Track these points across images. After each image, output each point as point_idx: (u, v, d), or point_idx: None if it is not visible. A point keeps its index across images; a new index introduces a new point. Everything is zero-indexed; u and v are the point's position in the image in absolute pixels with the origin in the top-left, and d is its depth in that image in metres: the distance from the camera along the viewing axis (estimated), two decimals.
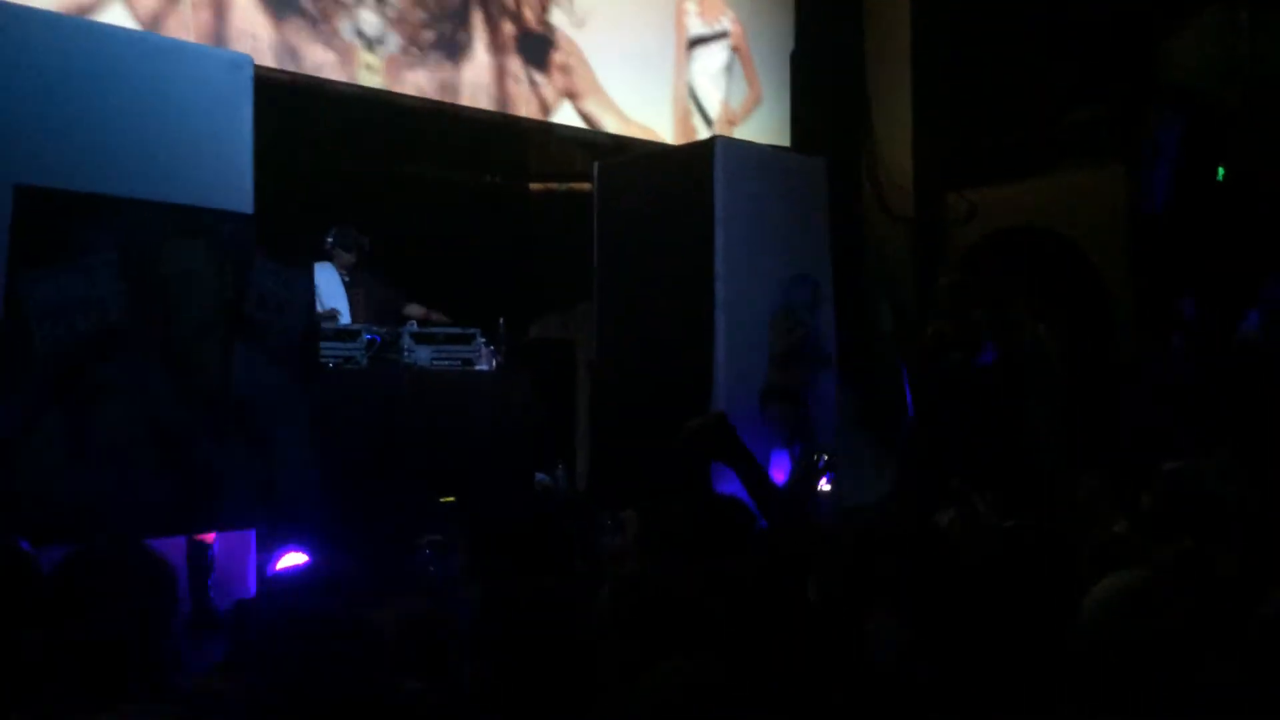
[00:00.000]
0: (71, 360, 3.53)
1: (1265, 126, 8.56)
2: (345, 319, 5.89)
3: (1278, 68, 8.64)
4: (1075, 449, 7.00)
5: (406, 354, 5.48)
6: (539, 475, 6.27)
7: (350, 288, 6.10)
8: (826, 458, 7.22)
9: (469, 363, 5.73)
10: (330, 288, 6.00)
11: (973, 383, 7.46)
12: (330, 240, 6.07)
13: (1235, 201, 8.09)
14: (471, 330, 5.80)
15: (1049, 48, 9.43)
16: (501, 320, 6.01)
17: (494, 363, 5.84)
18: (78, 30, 4.44)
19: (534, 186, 8.50)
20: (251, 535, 4.45)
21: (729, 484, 6.15)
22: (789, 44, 9.13)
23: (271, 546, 4.34)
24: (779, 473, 6.48)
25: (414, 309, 6.08)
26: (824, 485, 7.09)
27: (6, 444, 3.44)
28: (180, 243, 3.78)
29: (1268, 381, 6.79)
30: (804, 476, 3.71)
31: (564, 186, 8.41)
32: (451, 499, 5.16)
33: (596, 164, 7.27)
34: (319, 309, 5.78)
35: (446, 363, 5.65)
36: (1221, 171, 8.17)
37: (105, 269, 3.58)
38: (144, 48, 4.47)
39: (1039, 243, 8.57)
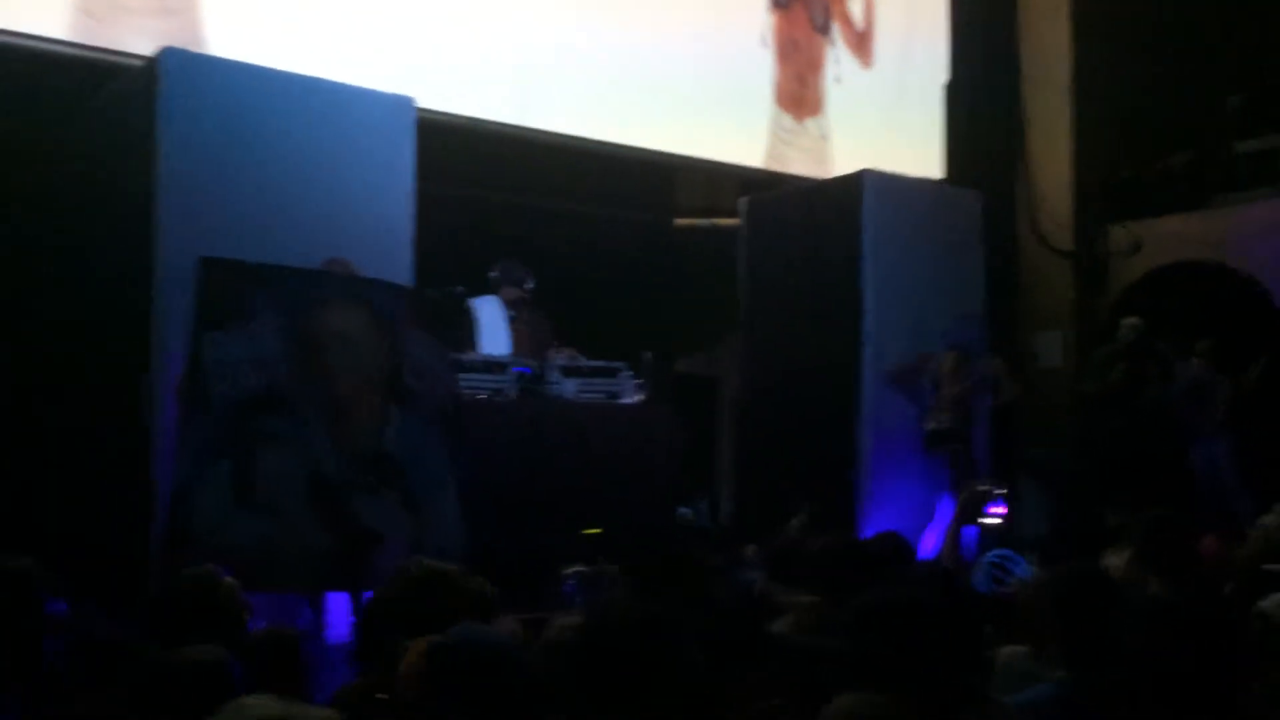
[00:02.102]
0: (243, 414, 3.81)
1: None
2: (505, 350, 6.01)
3: None
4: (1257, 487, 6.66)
5: (554, 386, 5.58)
6: (681, 509, 6.27)
7: (514, 322, 6.22)
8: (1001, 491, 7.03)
9: (614, 396, 5.79)
10: (493, 320, 6.14)
11: (1161, 419, 7.19)
12: (495, 274, 6.22)
13: None
14: (617, 364, 5.86)
15: (1217, 73, 9.01)
16: (647, 354, 6.05)
17: (639, 397, 5.88)
18: (243, 73, 4.70)
19: (680, 222, 8.56)
20: None
21: (881, 519, 6.05)
22: (943, 75, 8.98)
23: None
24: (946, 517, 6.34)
25: (566, 352, 6.15)
26: (991, 519, 6.91)
27: (183, 488, 3.70)
28: (339, 308, 4.02)
29: None
30: (966, 511, 3.61)
31: (710, 221, 8.44)
32: (597, 530, 5.20)
33: (744, 199, 7.28)
34: (478, 343, 5.96)
35: (592, 395, 5.72)
36: None
37: (273, 331, 3.85)
38: (310, 91, 4.71)
39: (1209, 277, 8.15)
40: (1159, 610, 2.00)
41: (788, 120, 8.18)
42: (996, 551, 3.20)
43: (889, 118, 8.51)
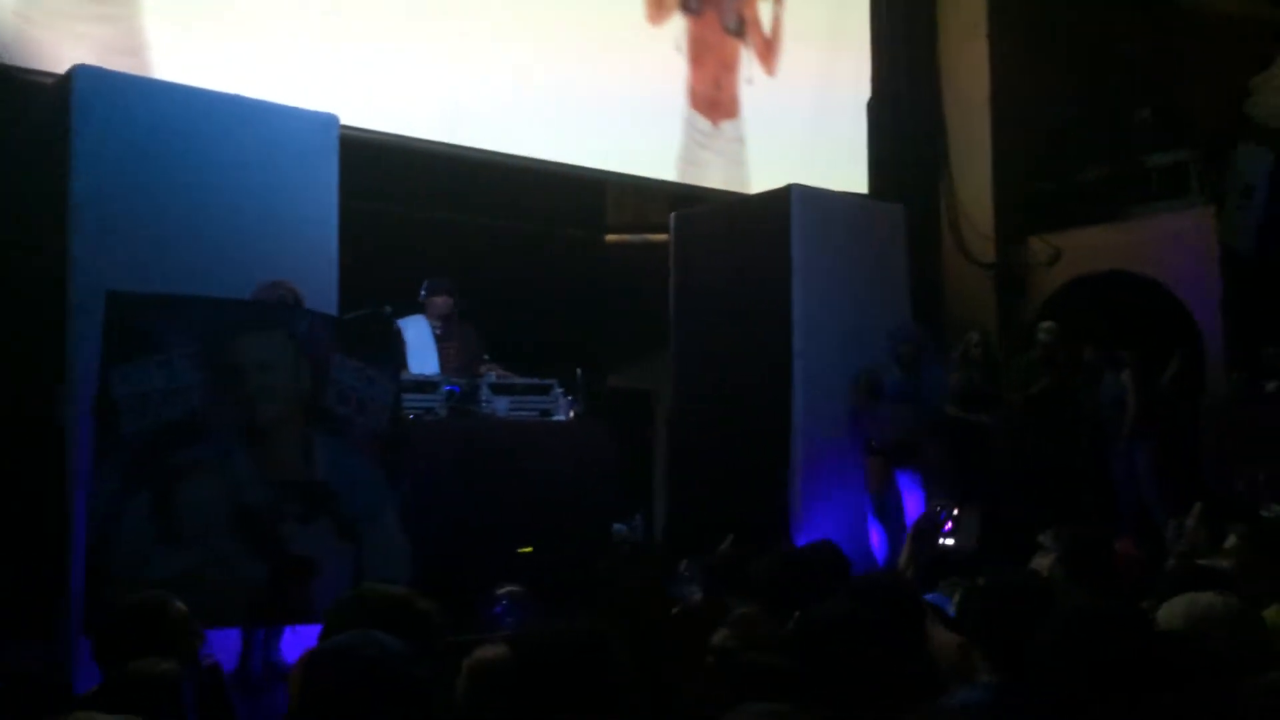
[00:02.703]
0: (159, 446, 3.71)
1: None
2: (434, 369, 5.96)
3: None
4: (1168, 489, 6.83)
5: (485, 405, 5.54)
6: (617, 525, 6.26)
7: (442, 340, 6.18)
8: (954, 510, 7.12)
9: (547, 413, 5.77)
10: (420, 339, 6.09)
11: (1083, 426, 7.34)
12: (423, 293, 6.18)
13: None
14: (549, 381, 5.84)
15: (1131, 89, 9.30)
16: (579, 371, 6.04)
17: (571, 413, 5.87)
18: (165, 93, 4.62)
19: (610, 238, 8.59)
20: None
21: (814, 529, 6.09)
22: (865, 92, 9.14)
23: None
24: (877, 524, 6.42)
25: (495, 370, 6.11)
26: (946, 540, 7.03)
27: (101, 526, 3.61)
28: (255, 335, 3.93)
29: None
30: (925, 534, 3.68)
31: (640, 237, 8.48)
32: (529, 549, 5.17)
33: (674, 214, 7.32)
34: (406, 363, 5.90)
35: (524, 413, 5.69)
36: None
37: (187, 360, 3.76)
38: (233, 109, 4.64)
39: (1126, 286, 8.39)
40: (1080, 617, 2.04)
41: (703, 123, 8.20)
42: (929, 595, 3.24)
43: (814, 132, 8.62)
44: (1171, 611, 2.31)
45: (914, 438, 6.43)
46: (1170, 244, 8.14)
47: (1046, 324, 7.90)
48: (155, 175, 4.38)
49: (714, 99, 8.28)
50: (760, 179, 7.94)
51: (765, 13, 8.58)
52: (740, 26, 8.48)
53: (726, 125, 8.32)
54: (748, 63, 8.45)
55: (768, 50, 8.61)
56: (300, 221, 4.60)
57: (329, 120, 4.84)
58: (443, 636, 2.59)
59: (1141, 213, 8.49)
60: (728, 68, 8.39)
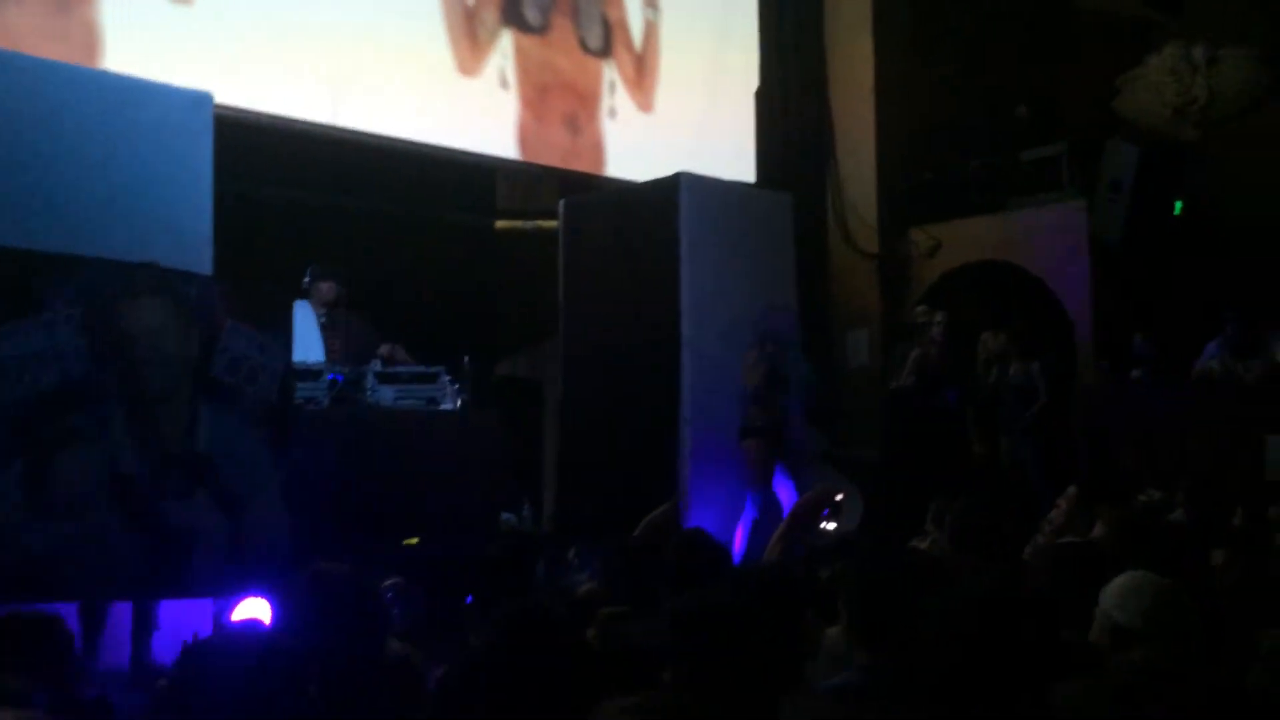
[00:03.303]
0: (34, 413, 3.54)
1: (1220, 161, 8.73)
2: (319, 358, 5.82)
3: (1232, 103, 8.83)
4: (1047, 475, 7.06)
5: (370, 394, 5.43)
6: (505, 514, 6.21)
7: (327, 328, 6.03)
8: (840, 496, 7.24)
9: (434, 402, 5.68)
10: (304, 326, 5.94)
11: (977, 410, 7.55)
12: (307, 279, 6.03)
13: (1192, 235, 8.22)
14: (436, 369, 5.75)
15: (1008, 86, 9.60)
16: (467, 359, 5.97)
17: (459, 401, 5.80)
18: (32, 68, 4.40)
19: (500, 224, 8.51)
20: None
21: (702, 518, 6.13)
22: (753, 82, 9.22)
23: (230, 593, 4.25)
24: (751, 512, 6.47)
25: (384, 349, 6.01)
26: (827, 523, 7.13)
27: None
28: (143, 300, 3.77)
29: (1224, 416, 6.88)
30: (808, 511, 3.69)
31: (531, 224, 8.42)
32: (415, 540, 5.09)
33: (563, 201, 7.28)
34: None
35: (410, 402, 5.59)
36: (1179, 205, 8.31)
37: (66, 325, 3.59)
38: (102, 85, 4.44)
39: (1002, 276, 8.67)
40: (964, 596, 2.07)
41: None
42: None
43: (703, 122, 8.67)
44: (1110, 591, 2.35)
45: (788, 425, 6.51)
46: (1044, 236, 8.43)
47: (921, 307, 8.13)
48: (18, 151, 4.16)
49: (569, 147, 7.77)
50: (650, 167, 7.95)
51: (636, 25, 8.22)
52: (605, 44, 8.09)
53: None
54: (610, 92, 8.06)
55: (639, 74, 8.22)
56: (172, 202, 4.43)
57: (202, 98, 4.66)
58: None
59: (1017, 205, 8.78)
60: (584, 100, 7.87)
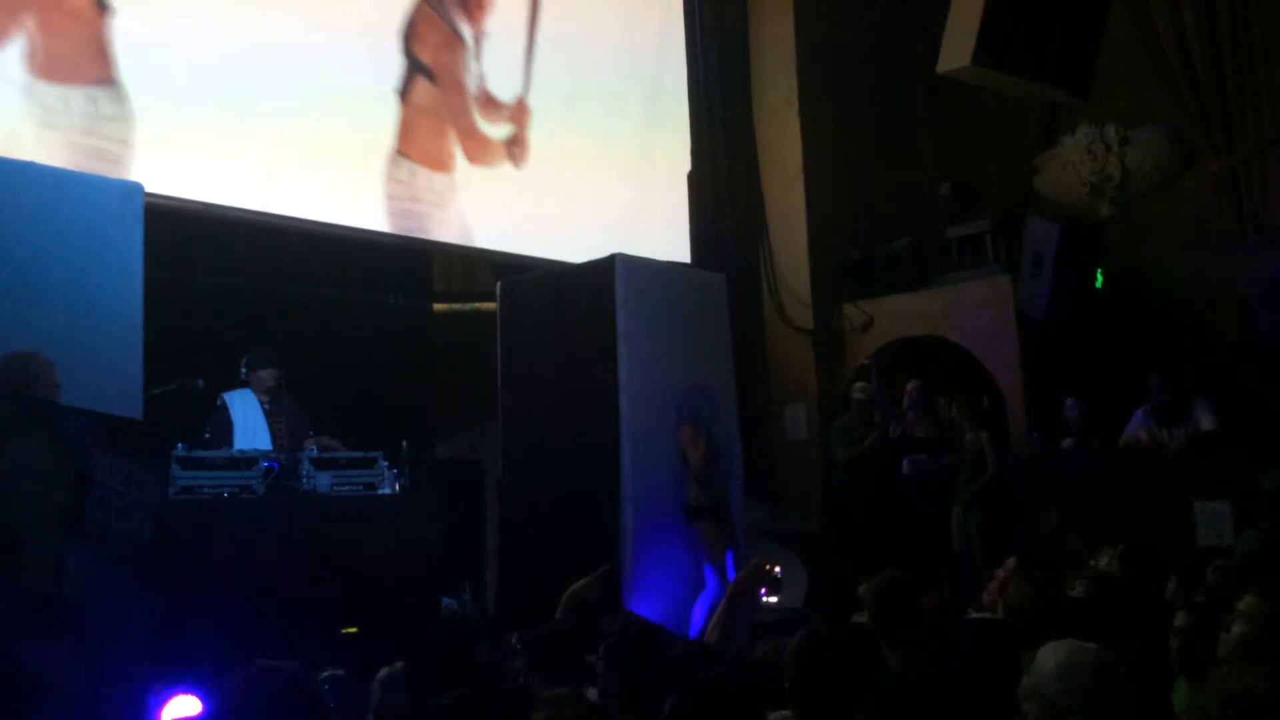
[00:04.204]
0: None
1: (1137, 234, 9.07)
2: (265, 444, 5.74)
3: (1146, 180, 9.21)
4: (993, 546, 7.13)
5: (306, 480, 5.35)
6: (446, 599, 6.11)
7: (271, 415, 5.97)
8: (779, 569, 7.26)
9: (371, 486, 5.61)
10: (249, 414, 5.87)
11: (929, 483, 7.63)
12: (244, 367, 5.96)
13: (1114, 305, 8.49)
14: (374, 454, 5.69)
15: (931, 166, 9.92)
16: (405, 443, 5.92)
17: (397, 486, 5.73)
18: None
19: (438, 307, 8.51)
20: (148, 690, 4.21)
21: (646, 596, 6.07)
22: (686, 165, 9.41)
23: (160, 690, 4.11)
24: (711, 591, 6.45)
25: (324, 440, 5.94)
26: (767, 598, 7.15)
27: None
28: (22, 434, 3.60)
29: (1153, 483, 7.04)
30: (743, 588, 3.67)
31: (468, 306, 8.43)
32: (354, 629, 4.98)
33: (500, 282, 7.32)
34: (233, 439, 5.67)
35: (348, 488, 5.52)
36: (1100, 278, 8.59)
37: None
38: (30, 177, 4.41)
39: (933, 350, 8.85)
40: (889, 680, 2.08)
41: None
42: None
43: (638, 203, 8.81)
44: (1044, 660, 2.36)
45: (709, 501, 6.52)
46: (971, 310, 8.64)
47: (859, 384, 8.27)
48: None
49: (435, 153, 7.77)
50: (585, 248, 8.04)
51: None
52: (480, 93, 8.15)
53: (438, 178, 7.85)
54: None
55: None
56: (102, 291, 4.38)
57: (133, 188, 4.65)
58: None
59: (945, 281, 9.00)
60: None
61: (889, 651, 2.91)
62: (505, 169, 8.19)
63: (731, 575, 6.34)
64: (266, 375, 5.91)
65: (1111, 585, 4.72)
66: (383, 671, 3.68)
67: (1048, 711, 2.27)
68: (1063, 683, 2.26)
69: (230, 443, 5.64)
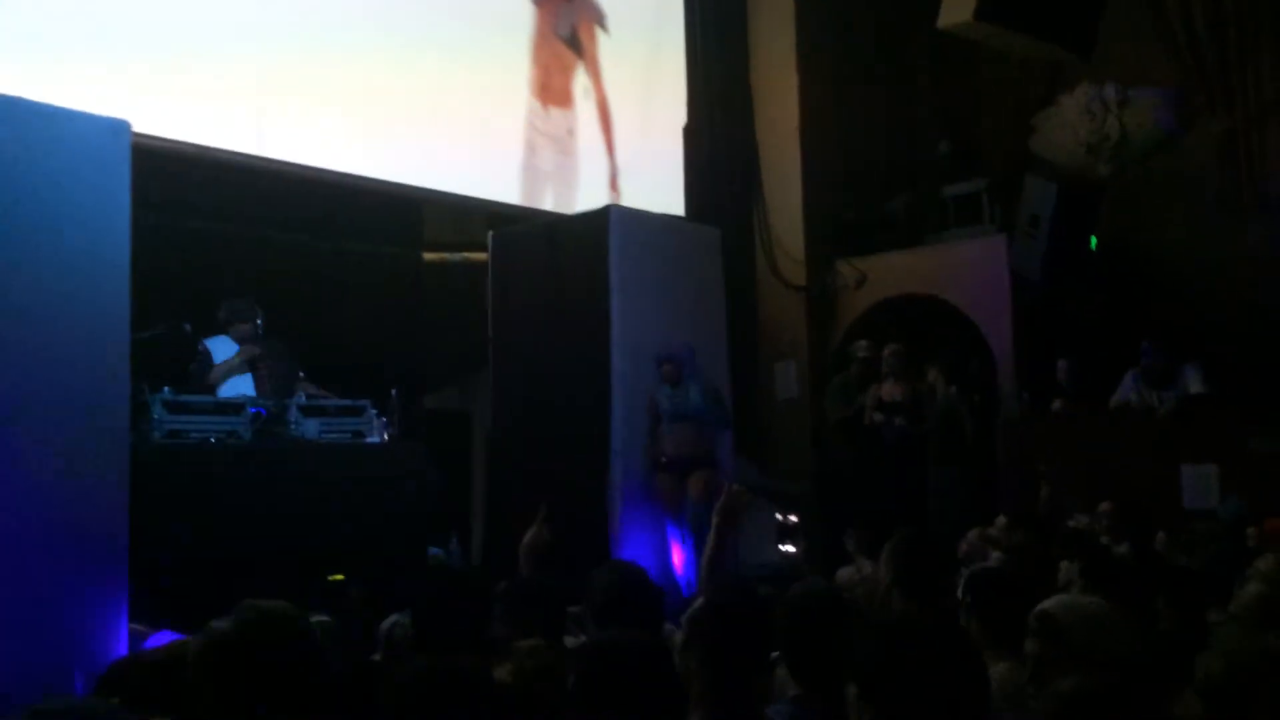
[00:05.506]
0: None
1: (1133, 197, 9.01)
2: (249, 391, 5.68)
3: (1144, 142, 9.13)
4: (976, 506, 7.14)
5: (294, 427, 5.31)
6: (433, 549, 6.11)
7: (254, 361, 5.91)
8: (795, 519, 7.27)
9: (360, 435, 5.59)
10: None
11: (909, 445, 7.60)
12: (222, 315, 5.89)
13: (1108, 269, 8.46)
14: (362, 402, 5.66)
15: (930, 123, 9.82)
16: (394, 391, 5.88)
17: (386, 435, 5.70)
18: None
19: (428, 256, 8.43)
20: (123, 638, 4.19)
21: (634, 548, 6.08)
22: (682, 118, 9.31)
23: (144, 636, 4.10)
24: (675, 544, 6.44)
25: (309, 388, 5.88)
26: (789, 548, 7.11)
27: None
28: None
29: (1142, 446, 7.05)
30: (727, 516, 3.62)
31: (459, 256, 8.35)
32: (340, 577, 4.97)
33: (492, 233, 7.24)
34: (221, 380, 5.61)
35: (336, 435, 5.49)
36: (1094, 240, 8.55)
37: None
38: (15, 111, 4.31)
39: (926, 309, 8.82)
40: (895, 628, 2.04)
41: (538, 107, 8.15)
42: None
43: (634, 154, 8.72)
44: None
45: (696, 451, 6.46)
46: (966, 270, 8.60)
47: (862, 342, 8.23)
48: None
49: (545, 84, 8.24)
50: (581, 199, 7.97)
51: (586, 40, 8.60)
52: (573, 36, 8.47)
53: (556, 112, 8.25)
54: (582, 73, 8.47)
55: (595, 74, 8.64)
56: (88, 230, 4.29)
57: (119, 126, 4.53)
58: None
59: (940, 240, 8.95)
60: (560, 64, 8.35)
61: (902, 602, 2.89)
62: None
63: (672, 532, 6.34)
64: (245, 329, 5.83)
65: (1098, 545, 4.75)
66: (387, 622, 3.64)
67: (1055, 647, 2.27)
68: (1076, 629, 2.28)
69: (213, 389, 5.58)
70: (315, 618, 4.56)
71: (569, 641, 3.29)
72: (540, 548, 4.17)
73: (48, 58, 5.77)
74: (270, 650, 2.07)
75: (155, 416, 4.79)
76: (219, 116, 6.48)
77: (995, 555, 4.58)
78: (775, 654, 2.39)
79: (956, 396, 7.53)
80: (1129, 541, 5.74)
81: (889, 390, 7.70)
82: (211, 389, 5.57)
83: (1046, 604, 2.49)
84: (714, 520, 3.49)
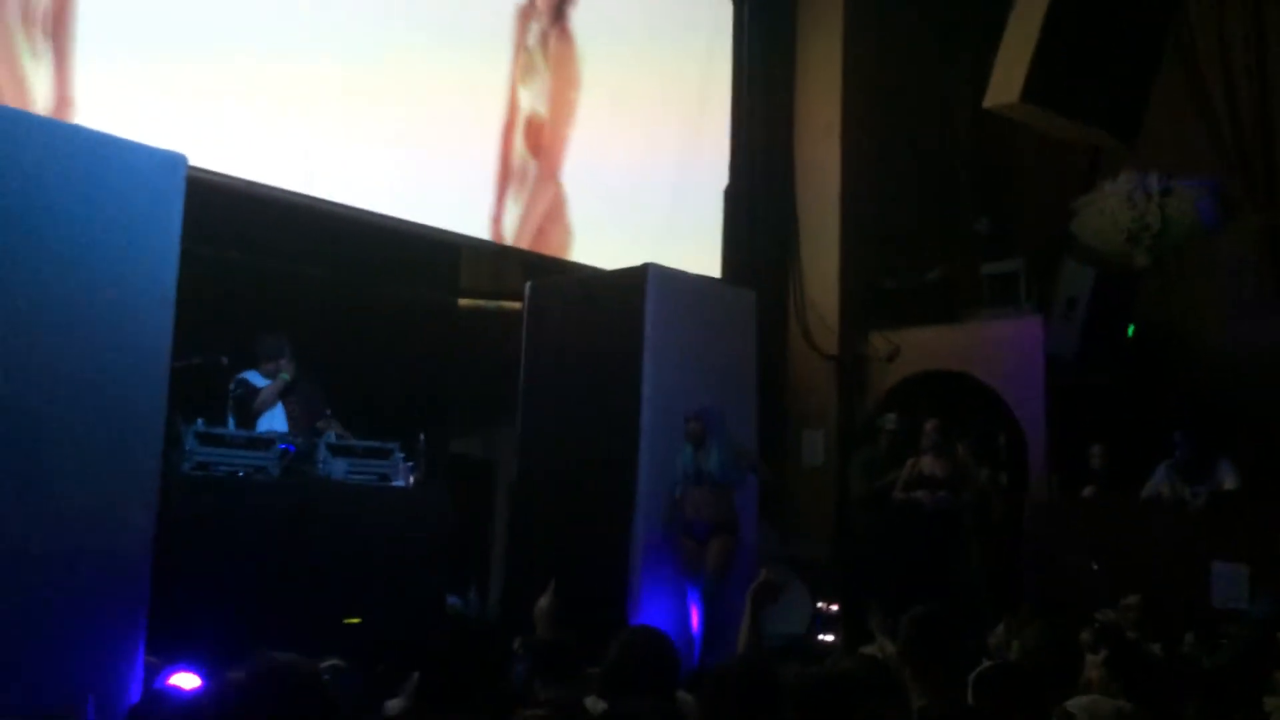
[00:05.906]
0: None
1: (1170, 285, 8.96)
2: (282, 426, 5.71)
3: (1185, 232, 9.10)
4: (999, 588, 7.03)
5: (321, 466, 5.32)
6: (451, 598, 6.07)
7: (284, 397, 5.94)
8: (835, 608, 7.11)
9: (386, 477, 5.58)
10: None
11: (946, 520, 7.49)
12: (256, 349, 5.94)
13: (1143, 357, 8.39)
14: (390, 445, 5.66)
15: (969, 199, 9.84)
16: (422, 436, 5.89)
17: (411, 479, 5.70)
18: (4, 117, 4.34)
19: (463, 302, 8.48)
20: (139, 668, 4.17)
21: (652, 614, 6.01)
22: (723, 180, 9.37)
23: (158, 668, 4.08)
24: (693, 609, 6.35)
25: (321, 422, 5.89)
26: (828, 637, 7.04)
27: None
28: None
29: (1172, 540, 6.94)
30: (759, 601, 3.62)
31: (495, 304, 8.40)
32: (357, 620, 4.94)
33: (529, 283, 7.28)
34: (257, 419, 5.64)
35: (362, 477, 5.49)
36: (1131, 328, 8.49)
37: None
38: (74, 140, 4.39)
39: (955, 384, 8.76)
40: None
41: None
42: None
43: (673, 213, 8.77)
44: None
45: (716, 516, 6.35)
46: (1001, 349, 8.56)
47: (891, 415, 8.17)
48: None
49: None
50: (617, 255, 7.99)
51: None
52: None
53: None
54: None
55: None
56: (138, 260, 4.34)
57: (176, 159, 4.61)
58: None
59: (975, 316, 8.92)
60: None
61: (913, 686, 2.83)
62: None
63: (693, 596, 6.24)
64: (277, 366, 5.87)
65: (1127, 640, 4.64)
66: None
67: None
68: None
69: (253, 423, 5.62)
70: (328, 661, 4.56)
71: (588, 702, 3.26)
72: (551, 615, 4.16)
73: (113, 85, 5.90)
74: (281, 703, 2.08)
75: (187, 447, 4.80)
76: (268, 153, 6.59)
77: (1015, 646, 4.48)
78: None
79: (988, 476, 7.46)
80: (1156, 638, 5.62)
81: (929, 464, 7.60)
82: (254, 418, 5.60)
83: (1070, 704, 2.44)
84: (747, 604, 3.50)
